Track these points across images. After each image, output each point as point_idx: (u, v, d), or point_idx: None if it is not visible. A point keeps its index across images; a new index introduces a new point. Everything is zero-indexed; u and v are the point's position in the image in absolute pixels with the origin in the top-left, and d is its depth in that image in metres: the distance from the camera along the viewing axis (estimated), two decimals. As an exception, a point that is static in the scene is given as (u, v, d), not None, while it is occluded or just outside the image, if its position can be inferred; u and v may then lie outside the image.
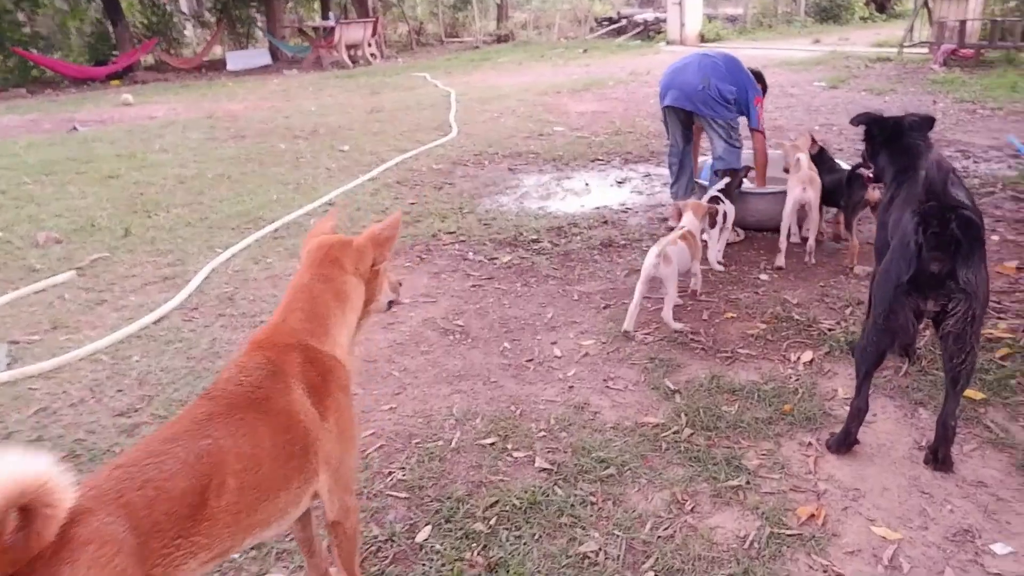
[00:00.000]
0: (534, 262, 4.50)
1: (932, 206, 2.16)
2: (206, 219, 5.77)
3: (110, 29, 20.48)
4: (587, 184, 6.26)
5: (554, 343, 3.48)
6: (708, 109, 4.40)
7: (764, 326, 3.42)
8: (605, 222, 5.21)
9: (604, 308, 3.81)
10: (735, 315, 3.59)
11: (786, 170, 4.62)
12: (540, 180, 6.45)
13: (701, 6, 17.72)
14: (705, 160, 5.10)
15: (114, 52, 20.34)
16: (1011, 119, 7.50)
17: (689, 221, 3.85)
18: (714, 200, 4.10)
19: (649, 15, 19.63)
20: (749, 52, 15.13)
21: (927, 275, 2.17)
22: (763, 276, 4.04)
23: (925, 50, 11.85)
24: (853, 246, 4.12)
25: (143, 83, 17.68)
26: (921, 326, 2.36)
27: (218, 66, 20.71)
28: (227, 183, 6.86)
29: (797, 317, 3.46)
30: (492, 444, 2.73)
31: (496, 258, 4.62)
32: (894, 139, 2.85)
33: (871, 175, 3.10)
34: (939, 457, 2.32)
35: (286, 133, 9.13)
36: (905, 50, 12.19)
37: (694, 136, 4.83)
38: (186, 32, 25.70)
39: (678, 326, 3.50)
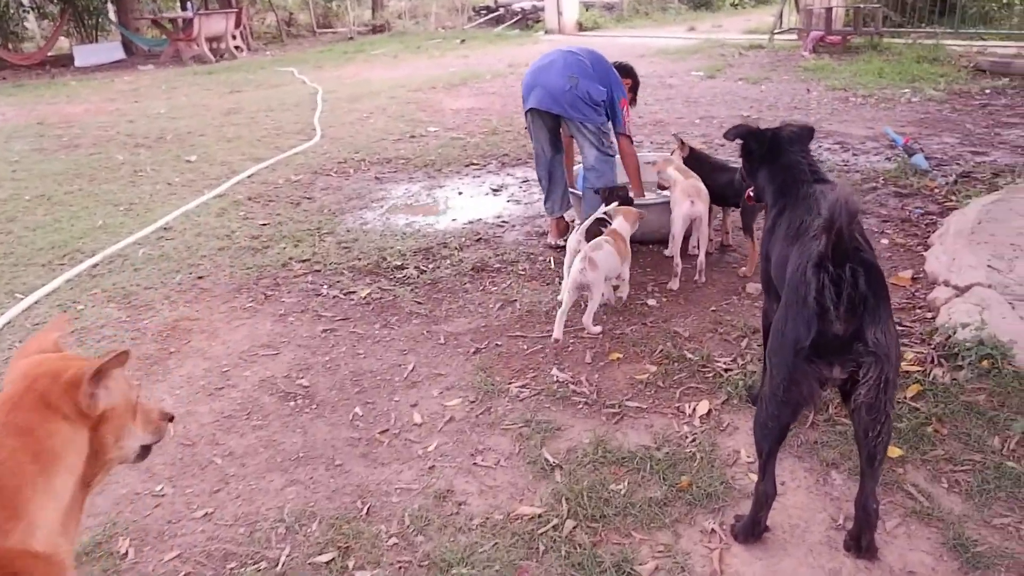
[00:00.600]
0: (396, 295, 3.92)
1: (836, 258, 1.76)
2: (11, 254, 4.83)
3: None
4: (460, 193, 5.72)
5: (414, 405, 2.94)
6: (577, 112, 3.95)
7: (654, 368, 3.01)
8: (479, 239, 4.69)
9: (474, 353, 3.29)
10: (622, 355, 3.15)
11: (661, 187, 4.27)
12: (409, 190, 5.85)
13: (578, -7, 17.50)
14: (578, 169, 4.65)
15: (-65, 49, 18.00)
16: (882, 107, 7.55)
17: (619, 224, 3.60)
18: (600, 223, 3.65)
19: (527, 3, 19.24)
20: (627, 41, 15.05)
21: (831, 338, 1.78)
22: (651, 301, 3.64)
23: (795, 37, 12.04)
24: (753, 254, 3.81)
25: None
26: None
27: (65, 61, 18.71)
28: (46, 206, 5.86)
29: (690, 355, 3.07)
30: (329, 562, 2.16)
31: (354, 292, 4.01)
32: (773, 154, 2.47)
33: (751, 194, 2.73)
34: (862, 544, 1.95)
35: (127, 141, 8.07)
36: (776, 37, 12.36)
37: (564, 143, 4.37)
38: (28, 25, 23.17)
39: (596, 330, 3.35)
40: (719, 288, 3.78)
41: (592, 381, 2.98)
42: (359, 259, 4.44)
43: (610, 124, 4.11)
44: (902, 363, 2.80)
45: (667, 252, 4.06)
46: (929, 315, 3.31)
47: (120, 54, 19.32)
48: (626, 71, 4.38)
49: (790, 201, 2.32)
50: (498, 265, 4.23)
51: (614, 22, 18.31)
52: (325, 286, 4.12)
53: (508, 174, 6.11)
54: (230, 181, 6.20)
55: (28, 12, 21.33)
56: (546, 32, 17.21)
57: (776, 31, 12.59)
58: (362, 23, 22.54)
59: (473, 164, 6.46)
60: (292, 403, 3.01)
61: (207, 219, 5.33)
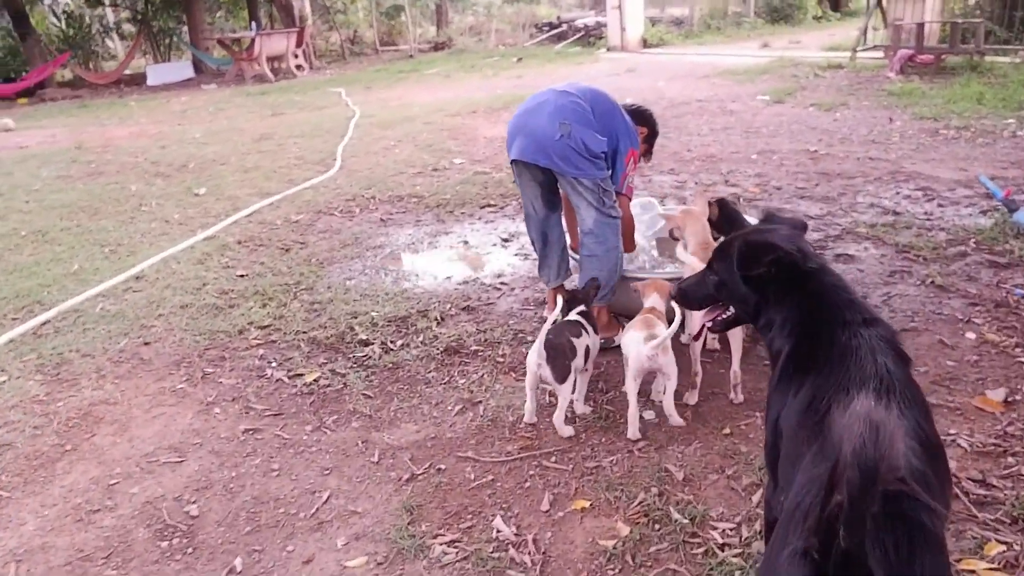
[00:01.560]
0: (347, 383, 3.27)
1: (854, 498, 0.98)
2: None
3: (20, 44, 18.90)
4: (465, 242, 5.05)
5: (308, 562, 2.26)
6: (570, 166, 3.20)
7: (626, 531, 2.22)
8: (466, 307, 4.00)
9: (407, 481, 2.59)
10: (588, 503, 2.38)
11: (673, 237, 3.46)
12: (413, 237, 5.23)
13: (642, 9, 16.63)
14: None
15: (25, 68, 18.78)
16: (980, 142, 6.44)
17: (655, 301, 2.95)
18: (573, 327, 2.88)
19: (591, 19, 18.50)
20: (693, 59, 14.11)
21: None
22: (646, 414, 2.85)
23: (880, 54, 10.84)
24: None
25: (52, 101, 16.24)
26: None
27: (140, 80, 19.22)
28: (36, 244, 5.54)
29: (677, 514, 2.26)
30: None
31: (301, 375, 3.38)
32: (795, 276, 1.68)
33: (725, 317, 1.97)
34: None
35: (149, 169, 7.80)
36: (859, 55, 11.18)
37: (563, 197, 3.63)
38: (110, 43, 24.10)
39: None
40: (739, 404, 2.94)
41: (541, 543, 2.23)
42: (324, 328, 3.83)
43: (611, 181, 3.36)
44: (979, 564, 1.93)
45: (684, 339, 3.25)
46: (1019, 467, 2.40)
47: (190, 73, 19.70)
48: (642, 117, 3.61)
49: (819, 354, 1.53)
50: (476, 347, 3.51)
51: (682, 38, 17.34)
52: (273, 363, 3.51)
53: (524, 220, 5.40)
54: (227, 220, 5.74)
55: (109, 31, 22.13)
56: (608, 49, 16.43)
57: (859, 48, 11.41)
58: (425, 40, 22.33)
59: (490, 205, 5.79)
60: (165, 543, 2.39)
61: (185, 267, 4.84)
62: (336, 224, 5.64)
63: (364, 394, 3.17)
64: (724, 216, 3.51)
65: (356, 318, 3.92)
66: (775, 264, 1.67)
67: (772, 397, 1.65)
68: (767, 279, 1.70)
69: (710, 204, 3.46)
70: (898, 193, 5.35)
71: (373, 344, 3.62)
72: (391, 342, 3.64)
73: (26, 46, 18.30)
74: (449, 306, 4.02)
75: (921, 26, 9.87)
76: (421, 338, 3.65)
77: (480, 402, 3.04)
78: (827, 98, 8.86)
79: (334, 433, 2.91)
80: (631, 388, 2.68)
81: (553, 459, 2.66)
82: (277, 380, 3.36)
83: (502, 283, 4.33)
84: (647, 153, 3.73)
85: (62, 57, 18.56)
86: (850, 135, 7.12)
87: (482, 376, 3.25)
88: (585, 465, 2.60)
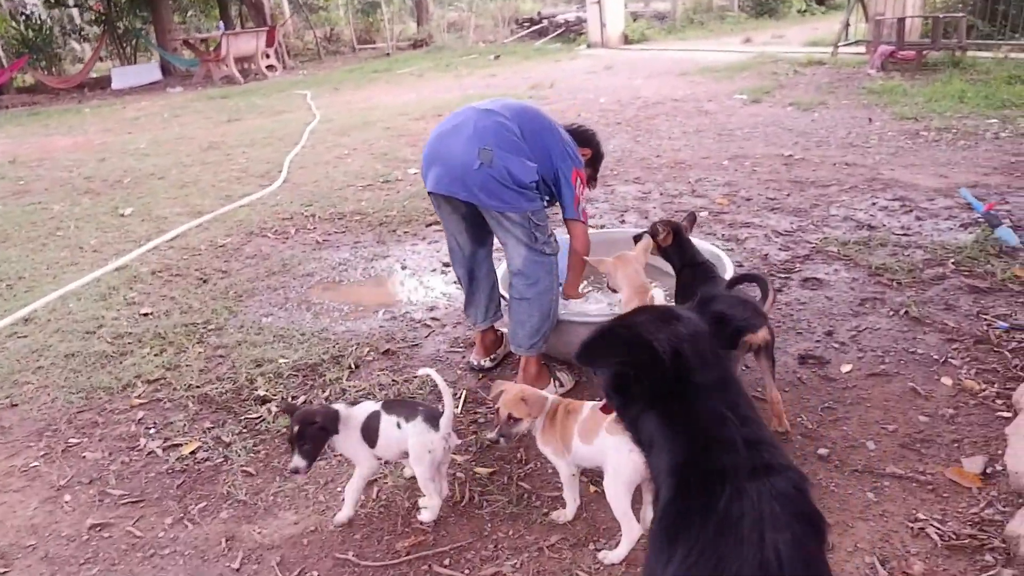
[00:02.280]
0: (228, 456, 2.80)
1: None
2: None
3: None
4: (403, 267, 4.58)
5: None
6: (492, 199, 2.73)
7: None
8: (387, 351, 3.53)
9: (265, 601, 2.13)
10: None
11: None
12: (347, 261, 4.76)
13: (623, 4, 16.14)
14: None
15: (-19, 73, 18.17)
16: (961, 145, 6.00)
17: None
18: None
19: (572, 15, 18.01)
20: (673, 55, 13.65)
21: None
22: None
23: (862, 50, 10.40)
24: (772, 400, 2.57)
25: (6, 109, 15.63)
26: None
27: (105, 84, 18.63)
28: (-65, 277, 5.04)
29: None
30: None
31: (179, 445, 2.91)
32: (670, 393, 1.22)
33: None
34: None
35: (80, 186, 7.29)
36: (840, 51, 10.74)
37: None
38: (77, 47, 23.46)
39: None
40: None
41: None
42: (221, 381, 3.36)
43: (546, 212, 2.89)
44: None
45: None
46: (999, 569, 1.95)
47: (157, 75, 19.11)
48: (583, 138, 3.13)
49: (692, 520, 1.07)
50: (384, 405, 3.05)
51: (664, 33, 16.85)
52: (152, 430, 3.04)
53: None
54: (144, 247, 5.25)
55: (71, 34, 21.49)
56: (589, 46, 15.95)
57: (841, 43, 10.97)
58: (405, 37, 21.80)
59: (436, 223, 5.32)
60: None
61: (85, 304, 4.35)
62: (267, 247, 5.16)
63: (244, 471, 2.71)
64: (676, 245, 3.06)
65: (261, 367, 3.45)
66: (627, 365, 1.21)
67: (646, 562, 1.19)
68: (626, 383, 1.24)
69: (670, 232, 2.99)
70: (874, 204, 4.90)
71: (271, 402, 3.15)
72: (292, 398, 3.17)
73: (-18, 50, 17.73)
74: (367, 350, 3.55)
75: (902, 21, 9.42)
76: (327, 393, 3.19)
77: (377, 479, 2.58)
78: (806, 97, 8.41)
79: (197, 527, 2.44)
80: (622, 504, 2.09)
81: (447, 561, 2.20)
82: (149, 453, 2.88)
83: (433, 318, 3.86)
84: (592, 179, 3.26)
85: (19, 61, 17.97)
86: (827, 137, 6.67)
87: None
88: (482, 571, 2.14)
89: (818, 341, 3.28)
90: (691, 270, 2.95)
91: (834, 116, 7.43)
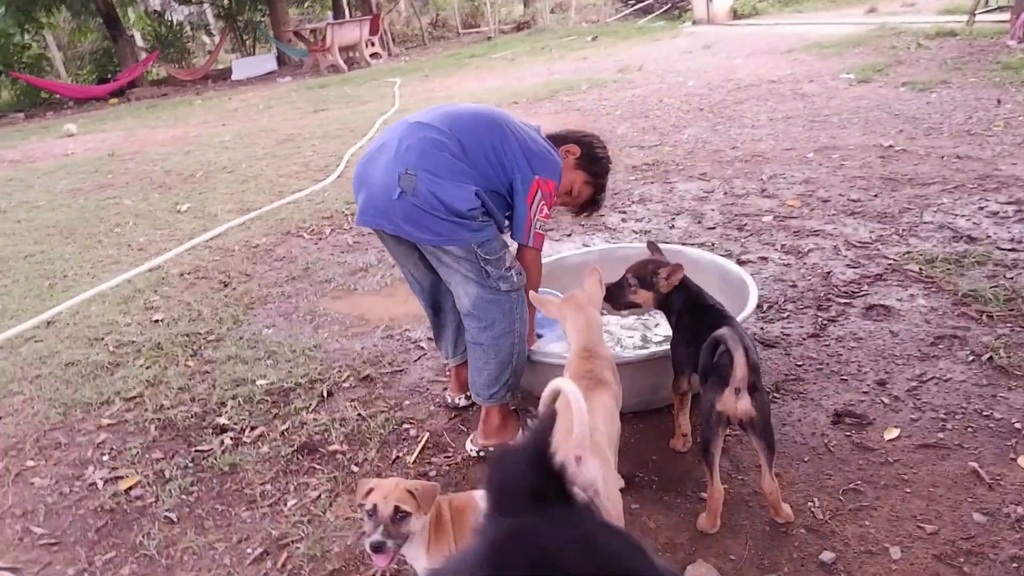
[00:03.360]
0: (158, 497, 2.58)
1: None
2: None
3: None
4: (417, 278, 4.25)
5: None
6: (424, 232, 2.30)
7: None
8: (367, 376, 3.22)
9: None
10: None
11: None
12: (369, 265, 4.51)
13: (733, -25, 14.95)
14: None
15: (118, 68, 19.60)
16: (1112, 133, 4.90)
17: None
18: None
19: (678, -11, 16.96)
20: (783, 29, 12.47)
21: None
22: None
23: (1005, 17, 8.93)
24: (765, 490, 2.04)
25: (138, 100, 16.75)
26: None
27: (226, 75, 19.60)
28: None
29: None
30: None
31: (121, 478, 2.73)
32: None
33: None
34: None
35: (157, 180, 7.50)
36: (977, 19, 9.31)
37: None
38: (207, 40, 24.86)
39: None
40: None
41: None
42: (191, 403, 3.17)
43: (502, 240, 2.44)
44: None
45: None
46: None
47: (272, 66, 19.85)
48: (572, 137, 2.65)
49: None
50: (338, 445, 2.73)
51: (779, 6, 15.47)
52: (105, 456, 2.89)
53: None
54: (182, 247, 5.22)
55: (198, 29, 22.78)
56: (694, 22, 14.92)
57: (979, 10, 9.50)
58: (510, 20, 21.46)
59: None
60: None
61: (105, 308, 4.34)
62: (297, 249, 4.99)
63: (167, 516, 2.48)
64: (680, 287, 2.49)
65: (237, 388, 3.24)
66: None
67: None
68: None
69: (667, 271, 2.42)
70: (982, 208, 4.04)
71: (228, 432, 2.92)
72: (251, 428, 2.93)
73: (118, 47, 19.07)
74: (348, 374, 3.25)
75: (1059, -22, 7.97)
76: (287, 425, 2.92)
77: (289, 543, 2.27)
78: (924, 75, 7.28)
79: (96, 582, 2.24)
80: None
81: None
82: (90, 485, 2.72)
83: (429, 338, 3.50)
84: (594, 185, 2.71)
85: (151, 56, 19.18)
86: (940, 124, 5.68)
87: (319, 496, 2.47)
88: None
89: (865, 393, 2.64)
90: (695, 316, 2.37)
91: (955, 98, 6.35)
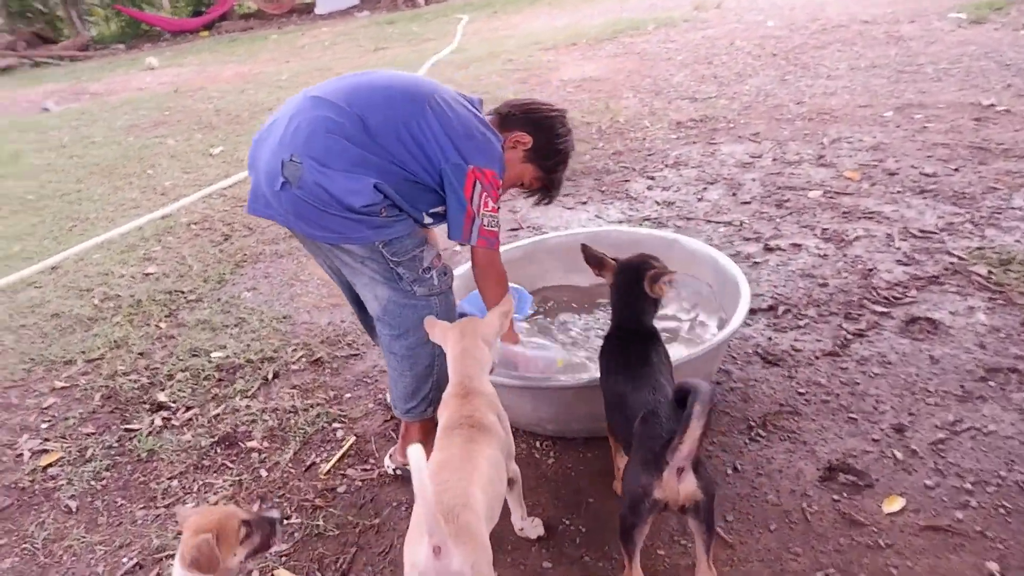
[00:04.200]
0: (70, 479, 2.44)
1: None
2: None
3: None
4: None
5: None
6: (315, 228, 1.92)
7: None
8: (317, 360, 2.96)
9: None
10: None
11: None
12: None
13: None
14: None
15: (212, 1, 19.87)
16: None
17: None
18: None
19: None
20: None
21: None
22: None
23: None
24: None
25: (227, 33, 16.93)
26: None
27: (311, 9, 19.52)
28: (24, 212, 5.31)
29: None
30: None
31: (47, 451, 2.61)
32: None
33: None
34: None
35: (205, 119, 7.44)
36: None
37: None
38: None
39: None
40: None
41: None
42: (141, 373, 3.03)
43: (417, 236, 2.04)
44: None
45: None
46: None
47: (355, 0, 19.58)
48: (517, 116, 2.15)
49: None
50: (261, 441, 2.50)
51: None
52: (43, 425, 2.78)
53: (512, 209, 4.11)
54: (197, 194, 5.09)
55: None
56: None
57: None
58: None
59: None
60: None
61: (106, 257, 4.27)
62: (307, 203, 4.76)
63: (68, 504, 2.33)
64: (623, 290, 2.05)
65: (191, 359, 3.07)
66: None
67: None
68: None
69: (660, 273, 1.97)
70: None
71: (162, 412, 2.75)
72: (185, 409, 2.75)
73: (210, -22, 19.22)
74: (302, 354, 3.01)
75: None
76: (219, 409, 2.71)
77: (164, 558, 2.06)
78: (1056, 17, 6.15)
79: (-26, 576, 2.12)
80: None
81: None
82: (17, 456, 2.62)
83: (401, 318, 3.20)
84: (546, 183, 2.25)
85: (239, -11, 19.26)
86: (1058, 80, 4.75)
87: (216, 503, 2.25)
88: None
89: (875, 440, 2.14)
90: (628, 344, 1.93)
91: (1088, 47, 5.31)
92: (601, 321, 2.70)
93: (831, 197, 3.71)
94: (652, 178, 4.30)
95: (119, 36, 19.93)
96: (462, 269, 2.57)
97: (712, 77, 6.15)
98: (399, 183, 1.92)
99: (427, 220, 2.03)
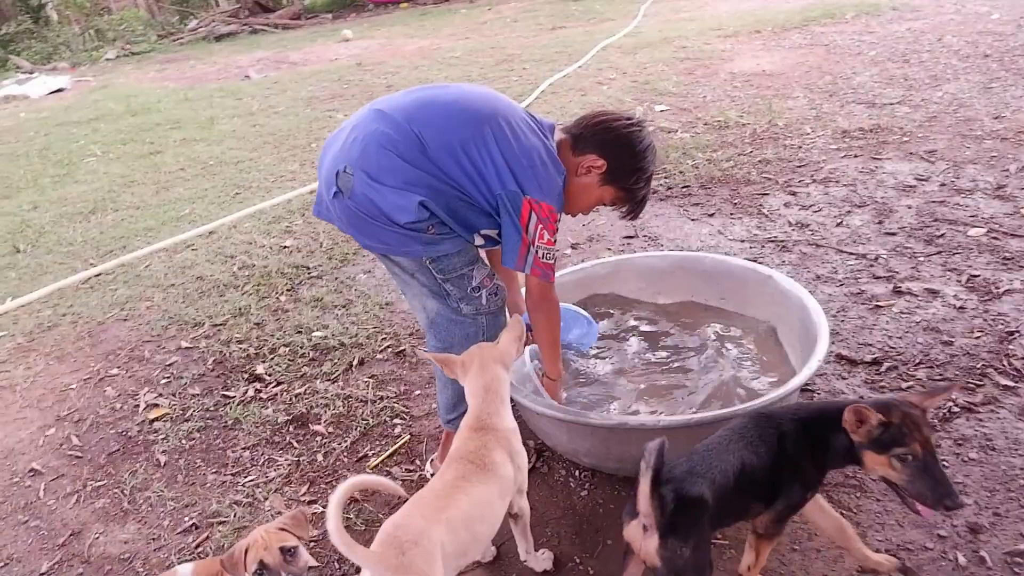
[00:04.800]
0: (168, 435, 2.74)
1: None
2: (89, 240, 4.88)
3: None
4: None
5: None
6: (368, 238, 1.98)
7: None
8: (400, 352, 3.07)
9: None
10: None
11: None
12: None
13: None
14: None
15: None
16: None
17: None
18: None
19: None
20: None
21: None
22: None
23: None
24: None
25: (423, 5, 17.72)
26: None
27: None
28: (203, 176, 5.94)
29: None
30: None
31: (156, 405, 2.95)
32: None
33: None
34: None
35: (377, 94, 7.82)
36: None
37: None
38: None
39: None
40: None
41: None
42: (250, 343, 3.31)
43: (470, 255, 2.03)
44: None
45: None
46: None
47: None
48: (596, 139, 2.02)
49: None
50: (326, 426, 2.66)
51: None
52: (163, 381, 3.14)
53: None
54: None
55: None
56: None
57: None
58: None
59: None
60: None
61: (254, 227, 4.68)
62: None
63: (158, 459, 2.62)
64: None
65: (295, 336, 3.32)
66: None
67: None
68: None
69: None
70: None
71: (256, 383, 3.00)
72: (276, 384, 2.98)
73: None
74: (389, 344, 3.14)
75: None
76: (303, 388, 2.91)
77: (215, 524, 2.26)
78: None
79: (59, 510, 2.45)
80: None
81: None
82: (135, 407, 2.98)
83: (489, 319, 3.23)
84: (631, 207, 2.12)
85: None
86: None
87: (273, 479, 2.42)
88: None
89: (940, 537, 1.87)
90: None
91: None
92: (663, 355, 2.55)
93: (995, 238, 3.20)
94: (793, 193, 3.95)
95: (328, 5, 21.45)
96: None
97: (902, 79, 5.50)
98: (452, 202, 1.92)
99: (478, 241, 2.02)
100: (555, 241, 1.95)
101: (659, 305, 2.76)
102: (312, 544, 2.13)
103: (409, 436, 2.55)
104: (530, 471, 2.27)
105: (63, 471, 2.65)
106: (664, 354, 2.55)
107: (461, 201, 1.93)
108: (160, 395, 3.03)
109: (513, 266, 1.96)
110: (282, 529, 1.71)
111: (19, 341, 3.64)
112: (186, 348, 3.38)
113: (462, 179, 1.91)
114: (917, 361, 2.51)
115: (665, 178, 4.36)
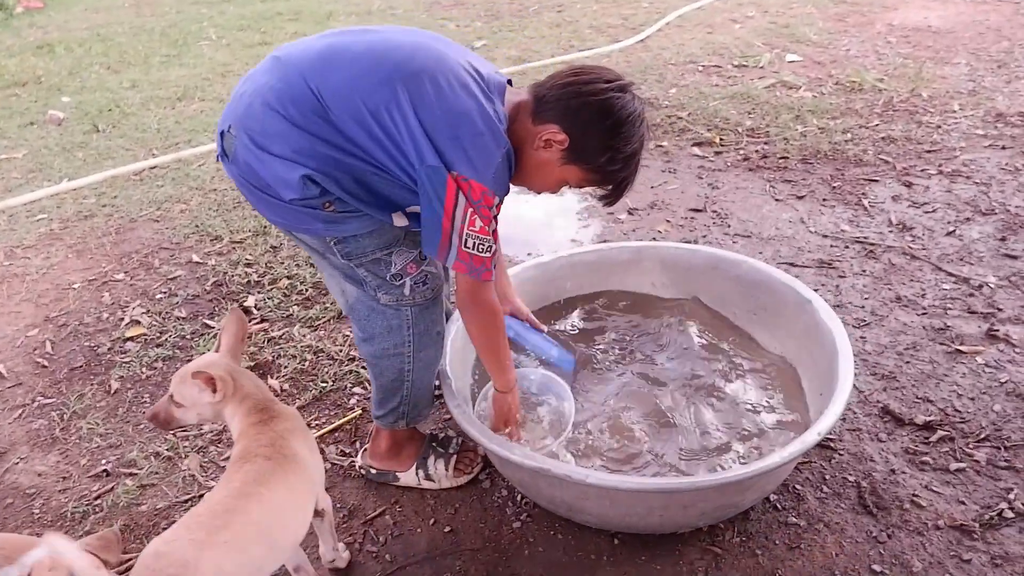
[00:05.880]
0: (132, 359, 2.56)
1: None
2: (163, 128, 4.81)
3: None
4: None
5: None
6: (264, 209, 1.56)
7: None
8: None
9: None
10: None
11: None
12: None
13: None
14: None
15: None
16: None
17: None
18: None
19: None
20: None
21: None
22: None
23: None
24: None
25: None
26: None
27: None
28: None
29: None
30: None
31: (138, 323, 2.79)
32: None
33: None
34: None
35: (495, 8, 7.32)
36: None
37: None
38: None
39: None
40: None
41: None
42: (259, 269, 3.08)
43: (382, 237, 1.59)
44: None
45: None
46: None
47: None
48: (560, 106, 1.49)
49: None
50: (276, 383, 2.37)
51: None
52: (158, 295, 2.97)
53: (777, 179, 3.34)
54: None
55: None
56: None
57: None
58: None
59: (718, 143, 3.77)
60: None
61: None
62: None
63: (111, 386, 2.45)
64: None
65: (303, 268, 3.05)
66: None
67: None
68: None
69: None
70: None
71: (247, 312, 2.77)
72: (261, 319, 2.74)
73: None
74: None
75: None
76: (280, 332, 2.64)
77: (126, 474, 2.06)
78: None
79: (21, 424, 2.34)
80: None
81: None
82: (119, 319, 2.82)
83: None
84: (607, 193, 1.61)
85: None
86: None
87: (203, 434, 2.18)
88: None
89: None
90: None
91: None
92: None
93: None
94: (909, 185, 3.17)
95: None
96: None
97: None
98: (363, 176, 1.48)
99: (400, 222, 1.58)
100: (492, 230, 1.48)
101: (684, 313, 2.22)
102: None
103: (362, 411, 2.23)
104: (470, 483, 1.91)
105: (23, 380, 2.55)
106: (662, 381, 2.04)
107: (376, 175, 1.49)
108: (147, 312, 2.87)
109: (433, 256, 1.51)
110: (89, 552, 1.21)
111: (53, 227, 3.60)
112: (195, 263, 3.19)
113: (374, 149, 1.46)
114: (983, 435, 1.88)
115: (764, 143, 3.65)
